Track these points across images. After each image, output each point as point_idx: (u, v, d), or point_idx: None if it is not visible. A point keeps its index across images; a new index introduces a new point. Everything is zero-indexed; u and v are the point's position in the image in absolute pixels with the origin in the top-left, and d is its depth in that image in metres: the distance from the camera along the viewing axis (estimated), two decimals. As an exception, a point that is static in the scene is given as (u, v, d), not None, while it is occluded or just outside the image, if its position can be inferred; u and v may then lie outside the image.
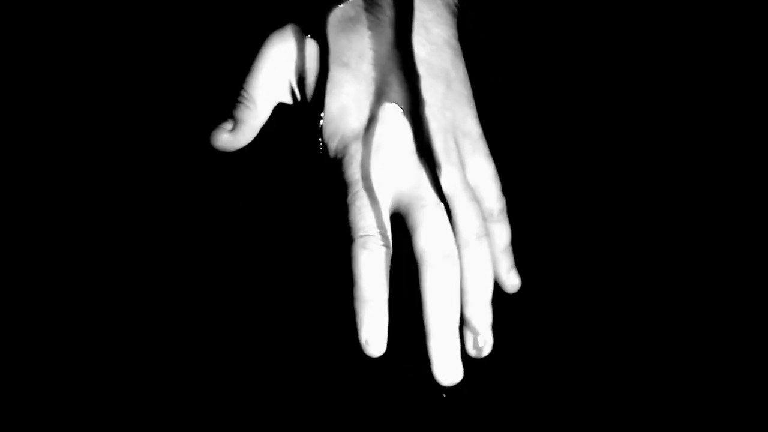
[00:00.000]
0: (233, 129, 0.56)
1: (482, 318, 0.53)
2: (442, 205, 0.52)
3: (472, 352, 0.53)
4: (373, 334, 0.50)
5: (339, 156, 0.53)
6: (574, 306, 0.63)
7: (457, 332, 0.51)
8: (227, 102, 0.57)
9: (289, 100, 0.58)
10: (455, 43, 0.57)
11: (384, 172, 0.52)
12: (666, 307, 0.64)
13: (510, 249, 0.57)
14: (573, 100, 0.67)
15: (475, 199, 0.53)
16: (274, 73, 0.57)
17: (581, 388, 0.62)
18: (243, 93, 0.56)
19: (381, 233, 0.51)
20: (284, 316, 0.62)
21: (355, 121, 0.53)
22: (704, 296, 0.64)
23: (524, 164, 0.65)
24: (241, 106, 0.56)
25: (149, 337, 0.63)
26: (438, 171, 0.53)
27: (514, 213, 0.59)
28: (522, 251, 0.60)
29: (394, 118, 0.53)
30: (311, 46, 0.56)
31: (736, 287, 0.64)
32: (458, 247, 0.52)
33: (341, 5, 0.56)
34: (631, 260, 0.64)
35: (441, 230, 0.51)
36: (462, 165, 0.54)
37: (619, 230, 0.65)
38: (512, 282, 0.56)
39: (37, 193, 0.65)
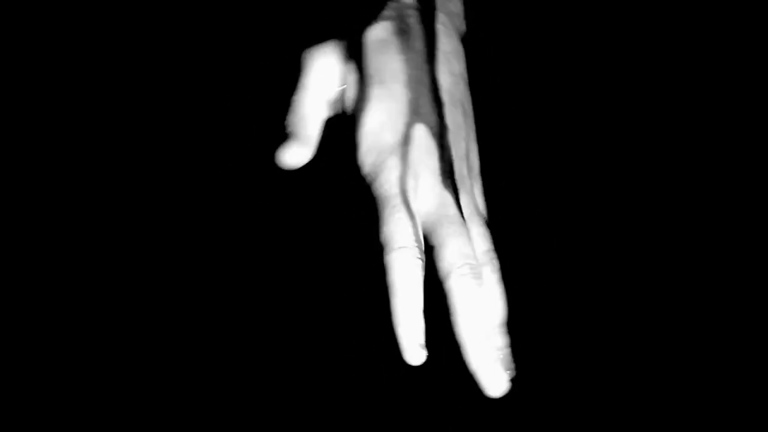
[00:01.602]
0: (295, 145, 0.57)
1: (504, 341, 0.53)
2: (465, 225, 0.53)
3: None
4: (413, 344, 0.50)
5: (376, 169, 0.54)
6: (573, 306, 0.65)
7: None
8: (279, 120, 0.58)
9: (331, 112, 0.60)
10: (467, 77, 0.60)
11: (417, 189, 0.54)
12: (664, 307, 0.65)
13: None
14: (572, 100, 0.69)
15: (486, 224, 0.55)
16: (322, 85, 0.59)
17: (580, 389, 0.63)
18: (293, 109, 0.58)
19: (418, 246, 0.52)
20: (299, 320, 0.64)
21: (392, 137, 0.55)
22: (703, 296, 0.65)
23: (523, 164, 0.67)
24: (295, 121, 0.58)
25: (150, 338, 0.63)
26: (458, 195, 0.54)
27: (514, 213, 0.62)
28: (522, 251, 0.63)
29: (426, 138, 0.55)
30: (350, 62, 0.58)
31: (736, 287, 0.65)
32: None
33: (376, 25, 0.58)
34: (630, 260, 0.66)
35: (468, 247, 0.52)
36: (473, 192, 0.56)
37: (618, 230, 0.67)
38: None
39: (46, 193, 0.65)
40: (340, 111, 0.59)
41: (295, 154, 0.57)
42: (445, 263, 0.52)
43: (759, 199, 0.67)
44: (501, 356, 0.52)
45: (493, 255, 0.55)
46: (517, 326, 0.57)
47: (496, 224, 0.58)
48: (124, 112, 0.67)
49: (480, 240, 0.55)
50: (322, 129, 0.59)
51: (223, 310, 0.64)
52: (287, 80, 0.59)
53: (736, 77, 0.69)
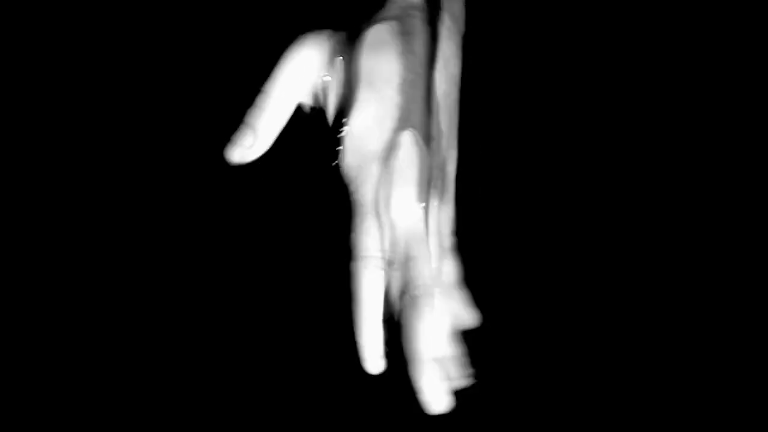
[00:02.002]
0: (246, 139, 0.56)
1: (454, 350, 0.56)
2: (428, 241, 0.54)
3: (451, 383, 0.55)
4: (375, 351, 0.51)
5: (355, 173, 0.54)
6: (571, 307, 0.66)
7: (440, 363, 0.53)
8: (244, 106, 0.56)
9: (308, 103, 0.58)
10: (458, 80, 0.59)
11: (393, 200, 0.53)
12: (663, 307, 0.66)
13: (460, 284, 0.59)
14: (571, 100, 0.69)
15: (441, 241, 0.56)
16: (300, 76, 0.57)
17: (579, 389, 0.64)
18: (261, 95, 0.56)
19: (383, 257, 0.52)
20: (285, 321, 0.65)
21: (376, 142, 0.54)
22: (703, 296, 0.65)
23: (522, 164, 0.67)
24: (258, 110, 0.56)
25: (150, 338, 0.64)
26: (429, 206, 0.55)
27: (512, 212, 0.62)
28: (521, 251, 0.63)
29: (412, 148, 0.54)
30: (342, 58, 0.57)
31: (735, 286, 0.66)
32: None
33: (378, 25, 0.56)
34: (629, 261, 0.66)
35: (426, 267, 0.53)
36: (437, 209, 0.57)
37: (618, 231, 0.67)
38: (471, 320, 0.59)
39: (45, 193, 0.66)
40: (318, 106, 0.58)
41: (244, 148, 0.56)
42: (406, 279, 0.53)
43: (759, 199, 0.67)
44: (444, 374, 0.53)
45: (441, 273, 0.56)
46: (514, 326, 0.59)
47: (492, 223, 0.58)
48: (120, 111, 0.67)
49: (435, 257, 0.55)
50: (284, 124, 0.57)
51: (212, 309, 0.66)
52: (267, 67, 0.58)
53: (736, 77, 0.69)
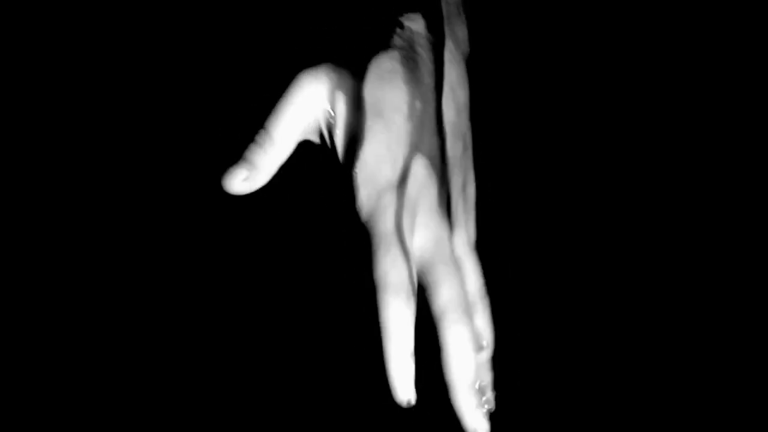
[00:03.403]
0: (248, 176, 0.55)
1: (488, 377, 0.56)
2: (458, 265, 0.53)
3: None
4: (407, 385, 0.50)
5: (372, 204, 0.53)
6: (571, 308, 0.66)
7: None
8: (243, 140, 0.55)
9: (315, 140, 0.58)
10: (468, 103, 0.59)
11: (413, 226, 0.53)
12: (663, 308, 0.66)
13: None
14: (570, 101, 0.69)
15: (478, 261, 0.56)
16: (303, 113, 0.56)
17: (579, 390, 0.65)
18: (262, 132, 0.55)
19: (411, 287, 0.51)
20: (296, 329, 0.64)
21: (389, 171, 0.53)
22: (703, 296, 0.66)
23: (521, 165, 0.68)
24: (257, 147, 0.55)
25: (146, 338, 0.64)
26: (452, 230, 0.54)
27: (513, 213, 0.62)
28: (522, 252, 0.64)
29: (425, 173, 0.54)
30: (346, 90, 0.56)
31: (735, 286, 0.66)
32: None
33: (383, 54, 0.56)
34: (630, 262, 0.67)
35: (460, 286, 0.52)
36: (467, 230, 0.56)
37: (617, 232, 0.68)
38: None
39: (45, 194, 0.65)
40: (331, 142, 0.57)
41: (242, 182, 0.55)
42: (438, 306, 0.52)
43: (759, 199, 0.67)
44: (485, 399, 0.53)
45: (484, 292, 0.56)
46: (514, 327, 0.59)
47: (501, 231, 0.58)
48: (117, 116, 0.67)
49: (473, 277, 0.56)
50: (288, 156, 0.56)
51: (220, 312, 0.65)
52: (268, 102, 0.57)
53: (736, 77, 0.69)
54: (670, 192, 0.68)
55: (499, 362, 0.57)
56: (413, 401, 0.51)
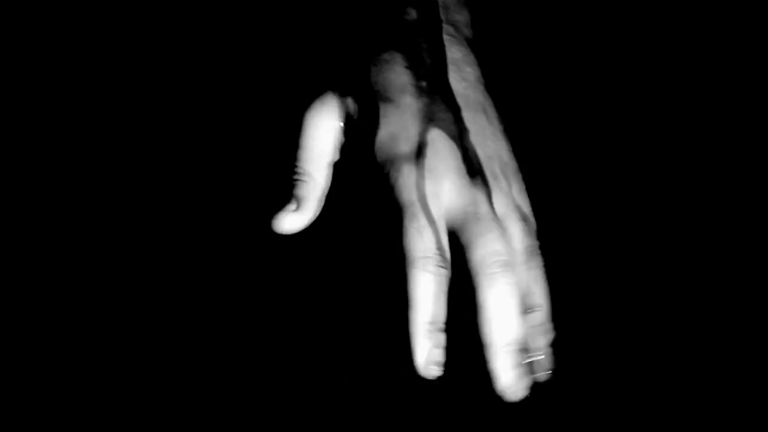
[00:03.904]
0: (298, 208, 0.56)
1: (544, 340, 0.54)
2: (498, 221, 0.52)
3: (533, 377, 0.53)
4: (431, 358, 0.50)
5: (393, 180, 0.54)
6: (574, 308, 0.64)
7: (520, 349, 0.51)
8: (284, 181, 0.57)
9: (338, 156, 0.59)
10: (483, 81, 0.59)
11: (438, 192, 0.53)
12: (664, 308, 0.65)
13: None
14: (569, 101, 0.69)
15: (526, 218, 0.54)
16: (324, 141, 0.57)
17: (579, 390, 0.63)
18: (297, 170, 0.57)
19: (440, 254, 0.51)
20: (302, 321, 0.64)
21: (405, 145, 0.54)
22: (703, 296, 0.65)
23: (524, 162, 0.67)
24: (300, 183, 0.56)
25: (151, 340, 0.64)
26: (489, 193, 0.54)
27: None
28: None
29: (444, 142, 0.54)
30: (354, 94, 0.57)
31: (735, 287, 0.65)
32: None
33: (378, 47, 0.57)
34: (631, 262, 0.66)
35: (499, 241, 0.52)
36: (509, 190, 0.55)
37: (617, 232, 0.67)
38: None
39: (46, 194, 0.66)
40: (349, 144, 0.58)
41: (296, 217, 0.56)
42: (475, 259, 0.51)
43: (759, 199, 0.66)
44: (526, 360, 0.51)
45: (534, 251, 0.54)
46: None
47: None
48: (117, 116, 0.68)
49: (519, 236, 0.54)
50: (329, 181, 0.57)
51: (229, 312, 0.65)
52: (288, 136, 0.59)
53: (736, 77, 0.69)
54: (670, 190, 0.67)
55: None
56: (437, 375, 0.50)
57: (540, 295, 0.54)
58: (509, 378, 0.50)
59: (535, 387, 0.53)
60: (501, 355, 0.50)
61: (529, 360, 0.53)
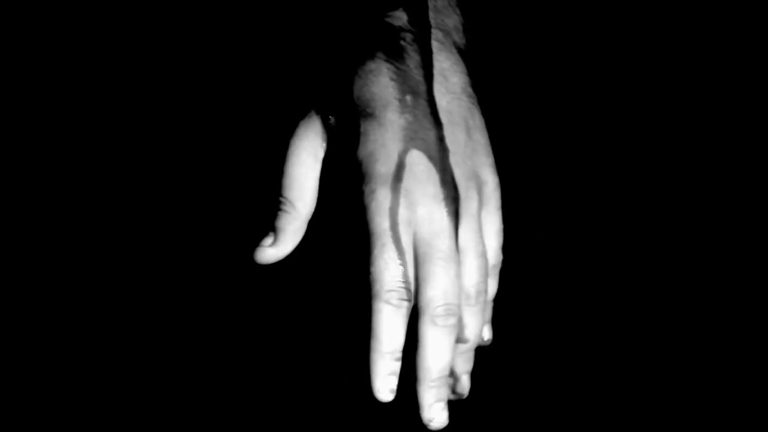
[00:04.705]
0: (275, 242, 0.56)
1: (466, 367, 0.57)
2: (457, 258, 0.53)
3: (451, 396, 0.57)
4: (386, 385, 0.52)
5: (366, 201, 0.53)
6: (571, 308, 0.66)
7: (447, 380, 0.54)
8: (265, 209, 0.57)
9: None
10: (471, 90, 0.58)
11: (412, 219, 0.53)
12: (664, 308, 0.66)
13: (491, 304, 0.59)
14: (569, 102, 0.69)
15: (484, 255, 0.55)
16: (307, 167, 0.57)
17: (577, 390, 0.65)
18: (281, 199, 0.57)
19: (405, 287, 0.52)
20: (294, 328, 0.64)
21: (383, 166, 0.53)
22: (703, 297, 0.66)
23: (519, 166, 0.67)
24: (281, 213, 0.56)
25: (151, 340, 0.64)
26: (458, 220, 0.53)
27: (512, 212, 0.61)
28: (521, 252, 0.64)
29: (421, 165, 0.53)
30: (336, 113, 0.57)
31: (735, 287, 0.66)
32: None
33: (364, 54, 0.56)
34: (630, 262, 0.67)
35: (452, 286, 0.52)
36: (479, 216, 0.55)
37: (618, 232, 0.68)
38: (485, 336, 0.59)
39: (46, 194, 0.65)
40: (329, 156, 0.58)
41: (272, 255, 0.56)
42: (424, 298, 0.52)
43: (759, 199, 0.68)
44: (458, 386, 0.56)
45: (481, 288, 0.55)
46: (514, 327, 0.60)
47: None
48: (117, 116, 0.66)
49: (471, 273, 0.54)
50: (313, 207, 0.57)
51: (223, 313, 0.65)
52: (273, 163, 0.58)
53: (736, 77, 0.69)
54: (670, 190, 0.68)
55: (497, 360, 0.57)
56: (390, 399, 0.52)
57: (473, 329, 0.55)
58: (432, 411, 0.53)
59: (536, 387, 0.58)
60: (427, 390, 0.53)
61: (451, 386, 0.57)
